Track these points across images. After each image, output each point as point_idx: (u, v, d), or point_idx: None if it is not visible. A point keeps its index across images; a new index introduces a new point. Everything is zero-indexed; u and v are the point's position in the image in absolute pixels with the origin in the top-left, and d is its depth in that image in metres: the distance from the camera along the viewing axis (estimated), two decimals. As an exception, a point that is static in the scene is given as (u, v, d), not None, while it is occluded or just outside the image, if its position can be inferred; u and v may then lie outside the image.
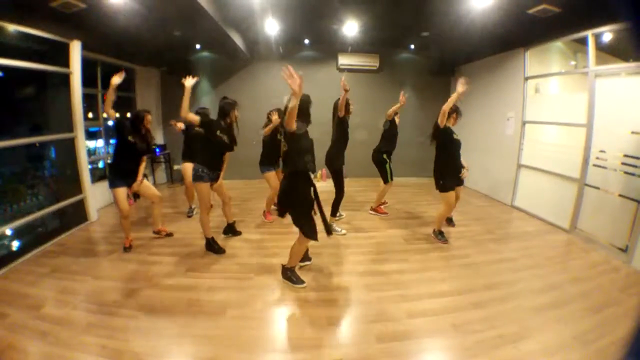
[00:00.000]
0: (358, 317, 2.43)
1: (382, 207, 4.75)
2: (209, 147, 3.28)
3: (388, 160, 4.42)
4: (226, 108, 3.28)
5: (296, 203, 2.55)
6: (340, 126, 3.73)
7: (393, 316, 2.41)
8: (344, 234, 3.93)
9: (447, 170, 3.58)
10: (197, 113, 3.24)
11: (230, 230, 3.87)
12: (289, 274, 2.83)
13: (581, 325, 2.31)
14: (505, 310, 2.48)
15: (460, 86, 3.20)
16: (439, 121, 3.43)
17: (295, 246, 2.71)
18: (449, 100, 3.31)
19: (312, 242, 2.69)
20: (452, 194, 3.61)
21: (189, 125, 4.36)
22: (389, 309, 2.49)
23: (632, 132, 3.38)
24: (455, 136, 3.53)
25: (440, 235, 3.80)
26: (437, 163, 3.63)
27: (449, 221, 4.19)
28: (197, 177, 3.24)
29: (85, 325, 2.28)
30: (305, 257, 3.08)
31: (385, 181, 4.47)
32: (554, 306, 2.53)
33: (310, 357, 2.03)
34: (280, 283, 2.85)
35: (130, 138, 3.29)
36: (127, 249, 3.48)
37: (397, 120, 4.40)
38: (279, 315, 2.50)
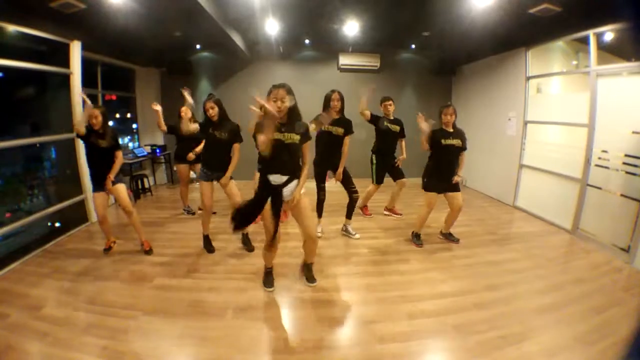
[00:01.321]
0: (359, 318, 2.42)
1: (367, 208, 4.71)
2: (206, 146, 3.36)
3: (375, 161, 4.32)
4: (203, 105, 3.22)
5: None
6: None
7: (394, 317, 2.40)
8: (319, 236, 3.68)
9: (429, 171, 3.55)
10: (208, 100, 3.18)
11: (244, 240, 3.60)
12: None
13: (583, 326, 2.30)
14: (507, 311, 2.47)
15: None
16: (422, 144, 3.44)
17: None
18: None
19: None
20: (432, 195, 3.49)
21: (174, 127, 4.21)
22: (390, 310, 2.48)
23: (634, 132, 3.36)
24: (444, 141, 3.35)
25: (416, 238, 3.70)
26: (427, 163, 3.61)
27: (449, 236, 3.83)
28: (200, 176, 3.37)
29: (85, 326, 2.27)
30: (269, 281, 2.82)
31: (372, 182, 4.43)
32: (556, 307, 2.52)
33: (311, 358, 2.02)
34: (281, 284, 2.85)
35: (91, 140, 3.14)
36: (106, 250, 3.44)
37: (387, 116, 4.19)
38: (280, 316, 2.49)
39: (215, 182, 3.36)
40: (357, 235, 3.87)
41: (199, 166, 4.45)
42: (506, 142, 5.37)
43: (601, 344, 2.11)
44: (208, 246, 3.51)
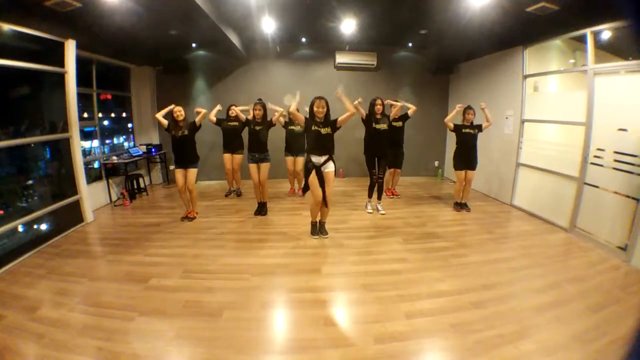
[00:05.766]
0: (356, 318, 2.41)
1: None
2: (249, 137, 4.48)
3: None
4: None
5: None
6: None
7: (391, 316, 2.39)
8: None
9: (455, 154, 4.77)
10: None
11: (259, 209, 4.64)
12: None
13: (581, 324, 2.30)
14: (505, 310, 2.47)
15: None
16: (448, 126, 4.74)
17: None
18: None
19: (313, 242, 3.65)
20: (459, 172, 4.69)
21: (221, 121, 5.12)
22: (387, 309, 2.48)
23: (631, 131, 3.37)
24: (464, 130, 4.61)
25: (455, 205, 4.88)
26: (454, 152, 4.83)
27: (463, 206, 4.86)
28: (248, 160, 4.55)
29: (81, 327, 2.25)
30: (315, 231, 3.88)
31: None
32: (553, 305, 2.52)
33: (307, 358, 2.01)
34: (277, 284, 2.84)
35: (172, 132, 4.14)
36: (184, 218, 4.41)
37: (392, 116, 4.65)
38: (276, 316, 2.48)
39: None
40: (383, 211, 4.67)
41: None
42: (503, 140, 5.38)
43: (599, 342, 2.11)
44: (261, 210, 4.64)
